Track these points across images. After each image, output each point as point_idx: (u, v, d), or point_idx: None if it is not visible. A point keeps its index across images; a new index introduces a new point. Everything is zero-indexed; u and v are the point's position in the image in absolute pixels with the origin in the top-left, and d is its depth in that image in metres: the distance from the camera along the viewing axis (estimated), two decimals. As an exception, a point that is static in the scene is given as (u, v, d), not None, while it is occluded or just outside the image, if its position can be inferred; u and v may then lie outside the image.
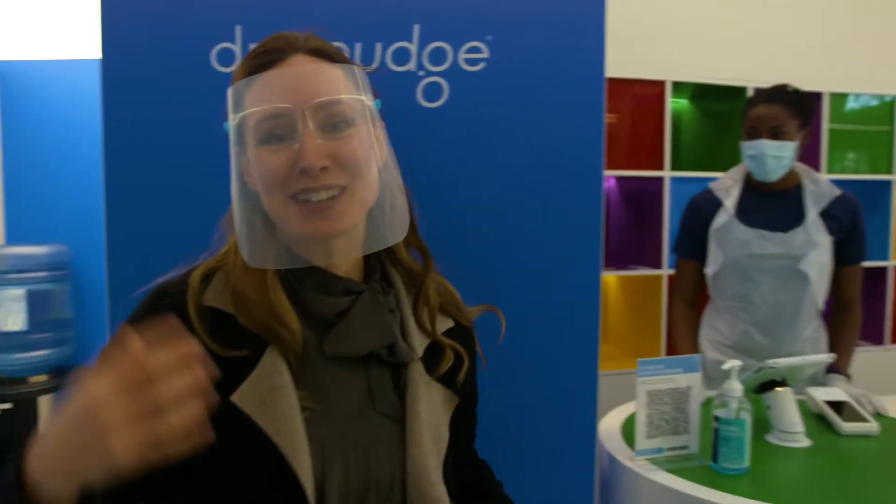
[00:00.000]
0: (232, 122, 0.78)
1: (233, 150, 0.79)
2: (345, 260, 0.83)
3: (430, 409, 0.85)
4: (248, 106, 0.76)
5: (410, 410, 0.83)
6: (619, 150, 3.00)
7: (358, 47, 1.21)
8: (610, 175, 3.09)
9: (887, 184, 3.31)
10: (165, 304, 0.79)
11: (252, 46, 1.23)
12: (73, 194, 2.72)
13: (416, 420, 0.82)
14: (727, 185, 1.95)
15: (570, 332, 1.27)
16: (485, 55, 1.20)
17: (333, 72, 0.78)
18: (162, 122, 1.24)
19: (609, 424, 1.61)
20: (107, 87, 1.23)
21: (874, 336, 3.39)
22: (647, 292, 3.00)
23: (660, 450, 1.37)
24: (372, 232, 0.83)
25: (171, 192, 1.24)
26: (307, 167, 0.73)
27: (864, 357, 3.31)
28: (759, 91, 1.87)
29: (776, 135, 1.80)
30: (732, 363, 1.35)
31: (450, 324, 0.93)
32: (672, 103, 3.21)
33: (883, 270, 3.33)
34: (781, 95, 1.81)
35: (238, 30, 1.22)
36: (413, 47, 1.20)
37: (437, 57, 1.21)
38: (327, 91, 0.75)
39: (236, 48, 1.23)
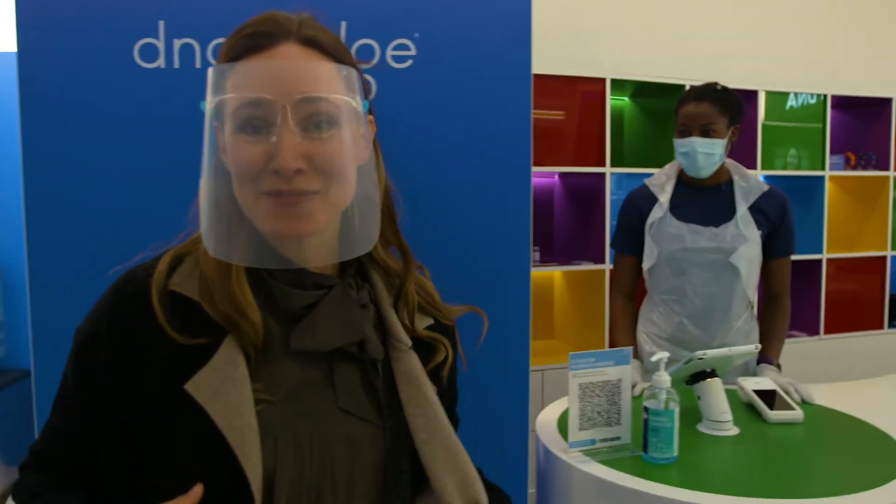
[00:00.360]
0: (209, 103, 0.73)
1: (208, 127, 0.74)
2: (319, 262, 0.80)
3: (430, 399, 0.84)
4: (228, 90, 0.71)
5: (412, 402, 0.82)
6: (562, 146, 3.04)
7: (284, 43, 1.20)
8: (554, 171, 3.13)
9: (820, 179, 3.44)
10: (130, 291, 0.78)
11: (176, 42, 1.22)
12: (2, 191, 2.63)
13: (426, 405, 0.82)
14: (661, 181, 1.99)
15: (502, 328, 1.29)
16: (412, 52, 1.20)
17: (323, 66, 0.74)
18: (83, 118, 1.21)
19: (546, 417, 1.63)
20: (24, 83, 1.19)
21: (810, 327, 3.52)
22: (591, 286, 3.05)
23: (592, 441, 1.39)
24: (345, 239, 0.81)
25: (93, 188, 1.21)
26: (281, 168, 0.69)
27: (801, 347, 3.44)
28: (689, 90, 1.92)
29: (706, 132, 1.85)
30: (661, 355, 1.38)
31: (429, 321, 0.91)
32: (614, 101, 3.27)
33: (817, 263, 3.46)
34: (711, 94, 1.86)
35: (161, 25, 1.20)
36: (341, 45, 1.19)
37: (365, 54, 1.21)
38: (313, 87, 0.71)
39: (160, 43, 1.20)
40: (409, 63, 1.22)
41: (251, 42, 0.74)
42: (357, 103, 0.75)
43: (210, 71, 0.73)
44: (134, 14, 1.21)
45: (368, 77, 1.21)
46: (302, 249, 0.78)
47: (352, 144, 0.75)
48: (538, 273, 3.20)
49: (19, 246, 2.60)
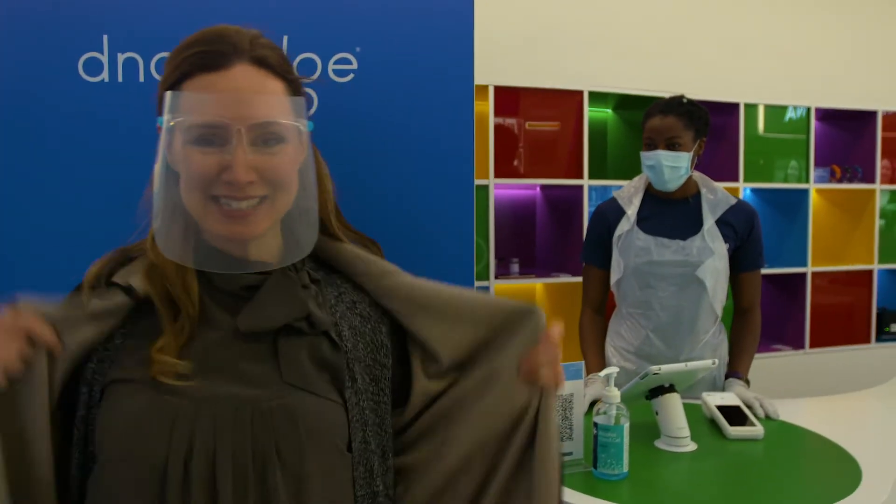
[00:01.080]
0: (167, 122, 0.78)
1: (163, 138, 0.79)
2: (263, 267, 0.84)
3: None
4: (184, 109, 0.77)
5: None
6: (543, 159, 3.04)
7: (224, 57, 1.20)
8: (535, 183, 3.13)
9: (805, 192, 3.42)
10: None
11: (120, 56, 1.23)
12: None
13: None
14: (629, 194, 1.99)
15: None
16: (354, 66, 1.20)
17: (273, 88, 0.80)
18: (27, 131, 1.22)
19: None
20: (-29, 96, 1.20)
21: (795, 341, 3.49)
22: (572, 299, 3.03)
23: (544, 457, 1.38)
24: (287, 244, 0.86)
25: (36, 201, 1.22)
26: (234, 181, 0.76)
27: (786, 361, 3.41)
28: (655, 103, 1.92)
29: (672, 146, 1.84)
30: (610, 370, 1.37)
31: None
32: (597, 113, 3.27)
33: (803, 276, 3.43)
34: (676, 107, 1.85)
35: (105, 39, 1.20)
36: (279, 58, 1.19)
37: (307, 68, 1.21)
38: (265, 112, 0.77)
39: (103, 57, 1.21)
40: (350, 77, 1.22)
41: (203, 60, 0.78)
42: (302, 125, 0.82)
43: (166, 94, 0.78)
44: (78, 28, 1.22)
45: (310, 91, 1.21)
46: (246, 252, 0.83)
47: (294, 156, 0.82)
48: (519, 285, 3.19)
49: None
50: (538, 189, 3.30)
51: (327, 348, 0.84)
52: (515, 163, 3.03)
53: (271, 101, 0.79)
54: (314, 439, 0.79)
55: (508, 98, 2.90)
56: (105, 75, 1.22)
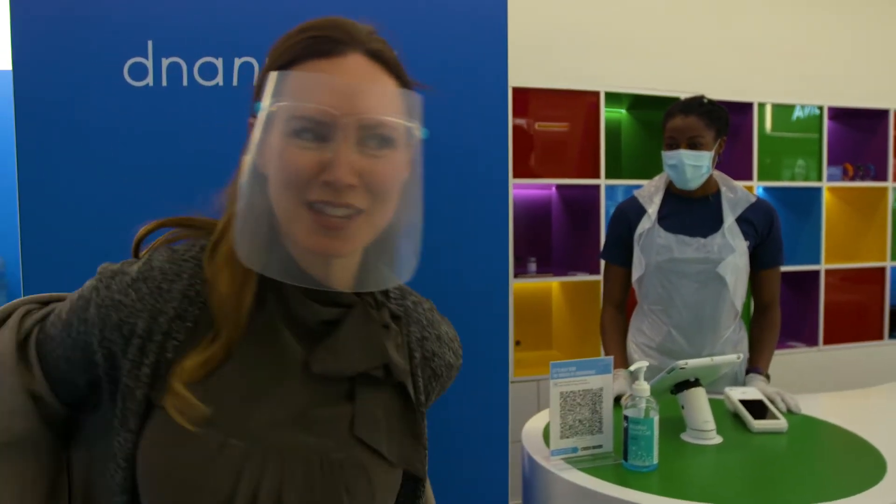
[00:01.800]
0: (269, 106, 0.69)
1: (258, 128, 0.70)
2: (340, 285, 0.76)
3: None
4: (290, 95, 0.68)
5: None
6: (560, 159, 3.07)
7: (255, 62, 1.24)
8: (551, 183, 3.16)
9: (818, 190, 3.45)
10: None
11: (164, 61, 1.26)
12: (2, 204, 2.69)
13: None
14: (650, 193, 2.02)
15: (482, 342, 1.31)
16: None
17: (387, 85, 0.72)
18: (75, 134, 1.26)
19: (532, 426, 1.65)
20: (19, 100, 1.24)
21: (809, 338, 3.51)
22: (588, 297, 3.07)
23: (574, 449, 1.41)
24: (378, 267, 0.77)
25: (84, 201, 1.25)
26: (335, 181, 0.67)
27: (800, 358, 3.44)
28: (676, 103, 1.94)
29: (693, 145, 1.87)
30: (639, 364, 1.40)
31: None
32: (612, 113, 3.30)
33: (816, 274, 3.46)
34: (697, 107, 1.88)
35: (150, 44, 1.24)
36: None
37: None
38: (377, 108, 0.69)
39: (148, 63, 1.24)
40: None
41: (317, 45, 0.71)
42: (417, 129, 0.73)
43: (271, 75, 0.70)
44: (124, 34, 1.25)
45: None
46: (328, 273, 0.74)
47: (402, 166, 0.73)
48: (536, 284, 3.22)
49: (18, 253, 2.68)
50: (554, 189, 3.33)
51: (402, 402, 0.80)
52: (531, 163, 3.06)
53: (384, 96, 0.70)
54: (380, 495, 0.76)
55: (525, 99, 2.93)
56: (150, 80, 1.25)
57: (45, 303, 0.82)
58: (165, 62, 1.25)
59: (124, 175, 1.26)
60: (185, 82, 1.25)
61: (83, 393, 0.76)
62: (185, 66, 1.25)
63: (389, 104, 0.70)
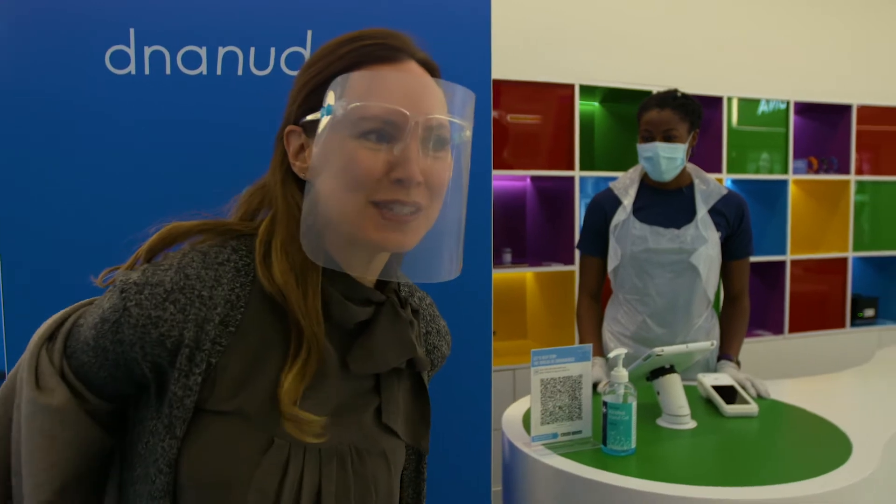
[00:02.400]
0: (339, 108, 0.71)
1: (325, 128, 0.72)
2: (375, 275, 0.80)
3: None
4: (357, 96, 0.70)
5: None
6: (534, 150, 3.10)
7: (252, 51, 1.23)
8: (526, 175, 3.19)
9: (784, 183, 3.53)
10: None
11: (146, 49, 1.25)
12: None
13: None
14: (625, 185, 2.06)
15: (465, 330, 1.33)
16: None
17: (439, 89, 0.75)
18: (55, 123, 1.24)
19: (512, 413, 1.68)
20: (-3, 88, 1.22)
21: (775, 326, 3.61)
22: (562, 287, 3.12)
23: (554, 435, 1.45)
24: (429, 258, 0.79)
25: (64, 192, 1.24)
26: (407, 178, 0.70)
27: (766, 346, 3.53)
28: (651, 97, 1.98)
29: (668, 138, 1.91)
30: (618, 351, 1.44)
31: None
32: (584, 106, 3.34)
33: (782, 264, 3.55)
34: (671, 101, 1.92)
35: (132, 32, 1.23)
36: (306, 52, 1.23)
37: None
38: (438, 108, 0.73)
39: (130, 51, 1.23)
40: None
41: (378, 52, 0.74)
42: (469, 129, 0.77)
43: (341, 77, 0.72)
44: (105, 21, 1.24)
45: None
46: (367, 266, 0.78)
47: (454, 167, 0.77)
48: (510, 274, 3.26)
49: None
50: (528, 180, 3.36)
51: (418, 390, 0.87)
52: (505, 154, 3.09)
53: (440, 97, 0.74)
54: (396, 476, 0.84)
55: (499, 91, 2.95)
56: (132, 68, 1.24)
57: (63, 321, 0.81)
58: (148, 50, 1.24)
59: (107, 166, 1.25)
60: (168, 71, 1.24)
61: (129, 392, 0.77)
62: (167, 55, 1.24)
63: (443, 102, 0.74)
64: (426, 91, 0.72)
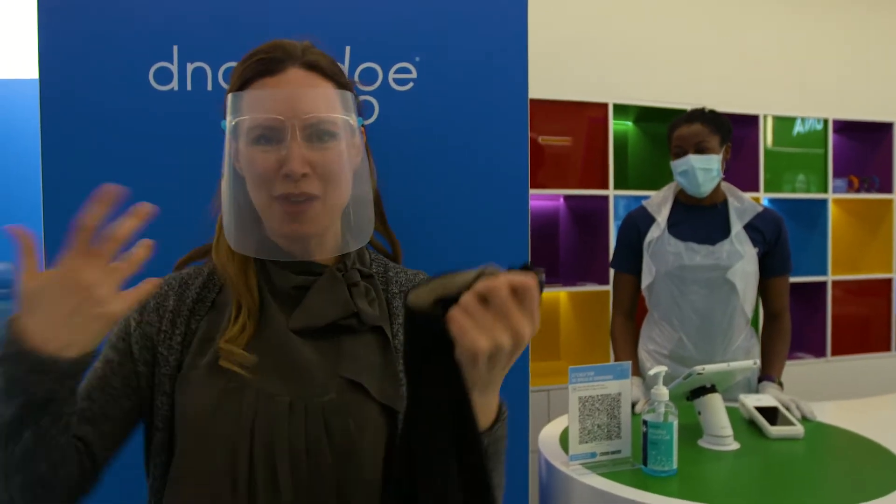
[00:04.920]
0: (229, 122, 0.87)
1: (228, 141, 0.88)
2: (322, 256, 0.92)
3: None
4: (245, 111, 0.85)
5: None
6: (567, 170, 3.09)
7: (291, 67, 1.25)
8: (559, 194, 3.18)
9: (823, 202, 3.46)
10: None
11: (189, 66, 1.28)
12: (26, 210, 2.70)
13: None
14: (658, 202, 2.03)
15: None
16: (413, 76, 1.25)
17: (324, 88, 0.87)
18: (101, 140, 1.27)
19: (549, 433, 1.66)
20: (45, 107, 1.25)
21: (817, 349, 3.51)
22: (596, 307, 3.07)
23: (593, 454, 1.41)
24: (343, 236, 0.93)
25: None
26: (290, 172, 0.82)
27: (808, 368, 3.43)
28: (678, 116, 1.98)
29: (701, 150, 1.90)
30: (658, 369, 1.41)
31: None
32: (618, 125, 3.33)
33: (823, 285, 3.46)
34: (700, 116, 1.92)
35: (175, 49, 1.26)
36: (345, 68, 1.24)
37: (368, 77, 1.26)
38: (315, 108, 0.84)
39: (173, 67, 1.26)
40: (410, 86, 1.26)
41: (262, 67, 0.87)
42: (353, 119, 0.89)
43: (229, 96, 0.87)
44: (150, 39, 1.26)
45: (371, 98, 1.25)
46: (306, 247, 0.90)
47: (346, 153, 0.88)
48: (544, 294, 3.22)
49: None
50: (561, 199, 3.34)
51: (382, 345, 0.91)
52: (539, 174, 3.08)
53: (320, 98, 0.86)
54: (372, 441, 0.85)
55: (533, 110, 2.95)
56: (175, 84, 1.26)
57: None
58: (190, 67, 1.26)
59: (150, 179, 1.27)
60: (209, 86, 1.27)
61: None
62: (209, 71, 1.27)
63: (325, 103, 0.86)
64: (301, 94, 0.85)
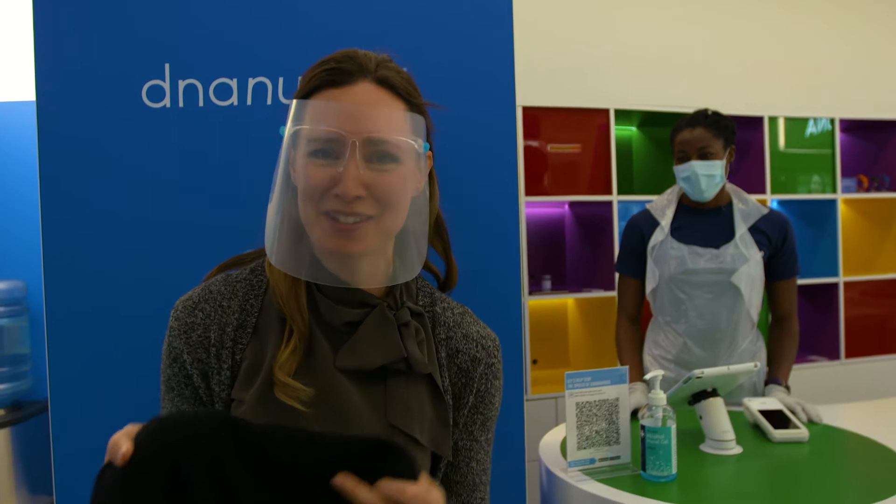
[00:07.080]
0: (289, 129, 0.83)
1: (286, 147, 0.84)
2: (370, 284, 0.86)
3: None
4: (306, 120, 0.81)
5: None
6: (572, 176, 3.09)
7: (280, 81, 1.27)
8: (564, 200, 3.17)
9: (833, 202, 3.43)
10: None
11: (181, 83, 1.30)
12: (27, 230, 2.75)
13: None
14: (662, 206, 2.02)
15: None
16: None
17: (392, 108, 0.82)
18: (97, 157, 1.29)
19: (550, 440, 1.65)
20: (42, 128, 1.27)
21: (830, 351, 3.47)
22: (603, 313, 3.06)
23: (592, 460, 1.41)
24: (394, 265, 0.89)
25: (107, 225, 1.28)
26: (342, 193, 0.78)
27: (822, 371, 3.39)
28: (681, 119, 1.97)
29: (704, 155, 1.88)
30: (655, 373, 1.40)
31: None
32: (622, 131, 3.32)
33: (834, 286, 3.42)
34: (702, 119, 1.90)
35: (167, 67, 1.28)
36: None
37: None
38: (379, 128, 0.79)
39: (165, 84, 1.28)
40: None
41: (331, 77, 0.82)
42: (419, 144, 0.84)
43: (294, 102, 0.82)
44: (142, 57, 1.29)
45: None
46: (353, 271, 0.85)
47: (407, 179, 0.83)
48: (551, 301, 3.22)
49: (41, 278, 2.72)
50: (567, 206, 3.34)
51: (431, 392, 0.88)
52: (544, 181, 3.08)
53: (386, 117, 0.80)
54: None
55: (535, 117, 2.96)
56: (167, 101, 1.28)
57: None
58: (182, 84, 1.28)
59: (145, 196, 1.29)
60: (201, 103, 1.28)
61: None
62: (200, 88, 1.28)
63: (390, 124, 0.81)
64: (366, 111, 0.79)
